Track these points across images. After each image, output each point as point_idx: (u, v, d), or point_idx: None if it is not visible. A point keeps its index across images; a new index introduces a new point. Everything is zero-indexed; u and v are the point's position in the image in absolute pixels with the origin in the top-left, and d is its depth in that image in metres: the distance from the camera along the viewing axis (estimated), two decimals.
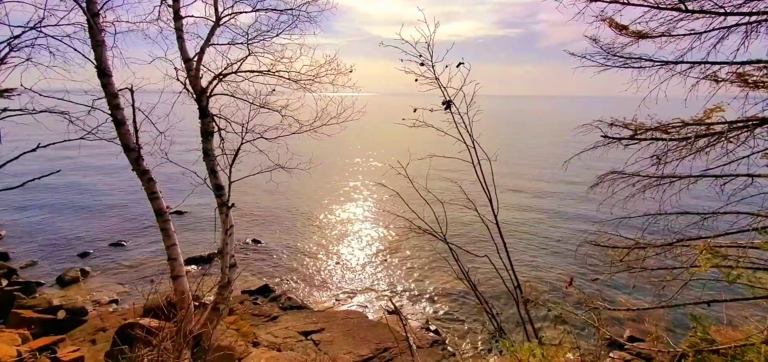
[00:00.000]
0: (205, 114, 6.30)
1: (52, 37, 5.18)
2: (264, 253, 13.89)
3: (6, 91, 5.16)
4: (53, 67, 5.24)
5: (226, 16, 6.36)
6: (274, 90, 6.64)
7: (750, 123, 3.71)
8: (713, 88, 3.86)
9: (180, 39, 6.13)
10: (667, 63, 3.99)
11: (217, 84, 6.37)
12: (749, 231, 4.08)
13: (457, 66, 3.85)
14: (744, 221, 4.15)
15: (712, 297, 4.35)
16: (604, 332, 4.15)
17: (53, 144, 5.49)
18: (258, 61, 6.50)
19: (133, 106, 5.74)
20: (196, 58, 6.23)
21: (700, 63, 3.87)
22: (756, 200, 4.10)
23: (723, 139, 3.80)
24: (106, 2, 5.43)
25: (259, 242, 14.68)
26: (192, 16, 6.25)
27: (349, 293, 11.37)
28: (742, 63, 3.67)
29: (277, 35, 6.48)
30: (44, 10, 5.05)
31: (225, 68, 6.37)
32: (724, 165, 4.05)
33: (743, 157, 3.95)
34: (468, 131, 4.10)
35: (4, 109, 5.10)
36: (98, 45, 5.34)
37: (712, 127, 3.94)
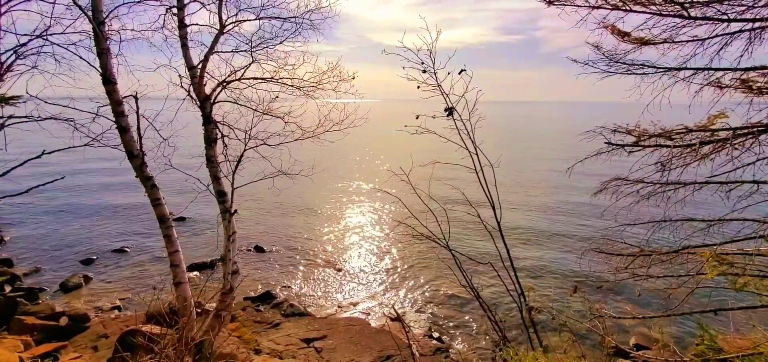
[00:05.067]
0: (208, 121, 6.33)
1: (58, 44, 5.24)
2: (266, 260, 13.87)
3: (12, 98, 5.21)
4: (59, 75, 5.29)
5: (231, 24, 6.41)
6: (277, 97, 6.67)
7: (755, 129, 3.68)
8: (717, 94, 3.84)
9: (184, 47, 6.18)
10: (670, 69, 3.98)
11: (220, 91, 6.40)
12: (756, 239, 4.04)
13: (459, 73, 3.87)
14: (750, 228, 4.11)
15: (718, 305, 4.30)
16: (610, 340, 4.10)
17: (58, 151, 5.53)
18: (261, 69, 6.54)
19: (137, 112, 5.78)
20: (200, 66, 6.27)
21: (703, 69, 3.86)
22: (762, 207, 4.07)
23: (728, 145, 3.78)
24: (112, 11, 5.49)
25: (262, 249, 14.67)
26: (196, 24, 6.31)
27: (352, 300, 11.32)
28: (746, 69, 3.65)
29: (280, 43, 6.52)
30: (50, 18, 5.12)
31: (229, 75, 6.41)
32: (730, 171, 4.01)
33: (749, 164, 3.92)
34: (470, 137, 4.11)
35: (10, 116, 5.15)
36: (103, 53, 5.39)
37: (716, 133, 3.91)
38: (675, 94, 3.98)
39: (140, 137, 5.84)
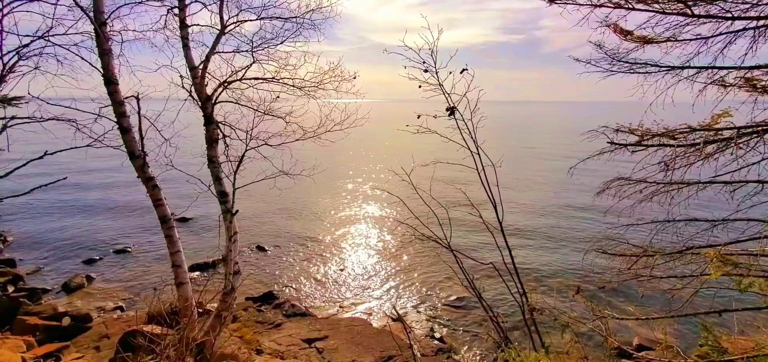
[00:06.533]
0: (209, 121, 6.34)
1: (59, 45, 5.26)
2: (268, 260, 13.88)
3: (14, 99, 5.23)
4: (61, 76, 5.32)
5: (232, 24, 6.42)
6: (278, 97, 6.67)
7: (759, 128, 3.65)
8: (721, 93, 3.80)
9: (186, 47, 6.19)
10: (673, 68, 3.94)
11: (222, 91, 6.41)
12: (761, 239, 4.00)
13: (461, 72, 3.85)
14: (755, 228, 4.07)
15: (723, 305, 4.26)
16: (612, 341, 4.07)
17: (60, 151, 5.55)
18: (262, 69, 6.55)
19: (139, 113, 5.80)
20: (201, 66, 6.28)
21: (707, 68, 3.83)
22: (767, 207, 4.03)
23: (732, 144, 3.74)
24: (114, 11, 5.51)
25: (263, 249, 14.68)
26: (198, 24, 6.32)
27: (353, 300, 11.31)
28: (750, 67, 3.62)
29: (281, 43, 6.53)
30: (52, 19, 5.14)
31: (230, 76, 6.41)
32: (734, 171, 3.98)
33: (753, 163, 3.89)
34: (472, 137, 4.08)
35: (13, 117, 5.17)
36: (105, 53, 5.40)
37: (720, 132, 3.88)
38: (678, 92, 3.94)
39: (142, 137, 5.85)
